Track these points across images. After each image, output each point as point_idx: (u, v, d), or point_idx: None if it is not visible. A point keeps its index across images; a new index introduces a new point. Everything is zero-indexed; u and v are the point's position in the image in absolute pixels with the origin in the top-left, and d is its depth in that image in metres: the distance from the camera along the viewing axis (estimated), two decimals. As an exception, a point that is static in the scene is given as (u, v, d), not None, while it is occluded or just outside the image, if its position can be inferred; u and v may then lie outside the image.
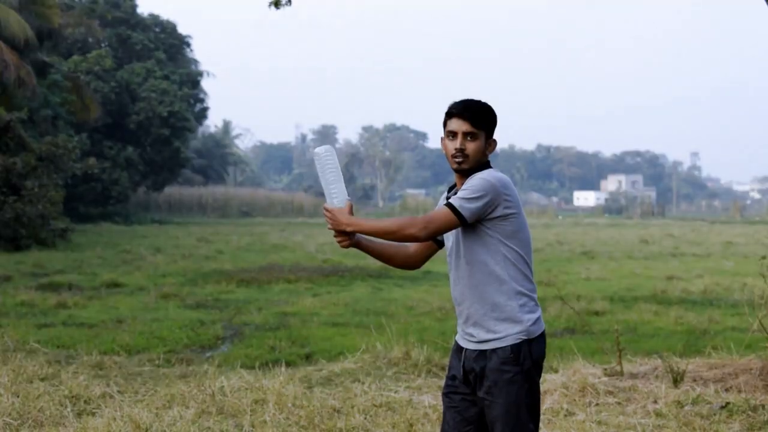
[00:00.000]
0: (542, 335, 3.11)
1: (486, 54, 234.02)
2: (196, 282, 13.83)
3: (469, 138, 3.10)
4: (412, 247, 3.36)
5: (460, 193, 3.05)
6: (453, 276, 3.19)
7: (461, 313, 3.16)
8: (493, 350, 3.06)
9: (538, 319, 3.10)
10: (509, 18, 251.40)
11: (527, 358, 3.06)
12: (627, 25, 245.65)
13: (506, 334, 3.05)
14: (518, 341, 3.05)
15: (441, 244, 3.35)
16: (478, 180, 3.04)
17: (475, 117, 3.10)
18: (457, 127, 3.10)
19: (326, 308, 10.88)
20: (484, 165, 3.16)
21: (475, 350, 3.11)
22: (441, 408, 5.28)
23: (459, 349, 3.20)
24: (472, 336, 3.12)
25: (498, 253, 3.07)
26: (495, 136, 3.18)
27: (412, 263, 3.40)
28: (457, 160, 3.11)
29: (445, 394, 3.24)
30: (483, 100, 3.17)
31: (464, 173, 3.13)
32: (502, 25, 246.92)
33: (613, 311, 10.57)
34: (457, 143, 3.10)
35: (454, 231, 3.14)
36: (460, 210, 3.01)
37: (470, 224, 3.06)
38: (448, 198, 3.20)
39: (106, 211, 39.13)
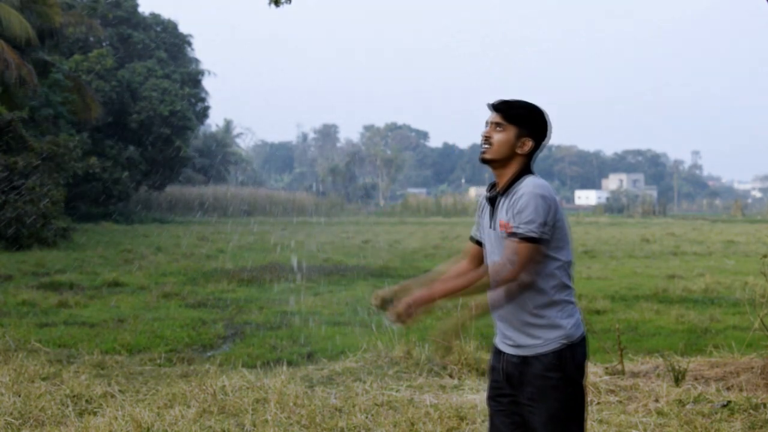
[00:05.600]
0: (583, 338, 3.06)
1: (486, 53, 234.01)
2: (198, 281, 13.83)
3: (497, 129, 3.08)
4: (466, 262, 3.28)
5: (528, 217, 2.91)
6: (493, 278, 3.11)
7: (501, 317, 3.10)
8: (535, 356, 3.00)
9: (577, 321, 3.05)
10: (509, 18, 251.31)
11: (570, 362, 3.00)
12: (627, 23, 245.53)
13: (548, 339, 3.00)
14: (561, 346, 2.99)
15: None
16: (537, 199, 2.94)
17: (507, 110, 3.07)
18: (490, 118, 3.11)
19: (327, 307, 10.88)
20: (523, 167, 3.08)
21: (516, 355, 3.05)
22: (442, 407, 5.30)
23: (498, 352, 3.15)
24: (510, 339, 3.07)
25: (545, 264, 3.00)
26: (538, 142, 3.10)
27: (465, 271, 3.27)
28: (482, 147, 3.10)
29: (492, 398, 3.16)
30: (531, 102, 3.12)
31: (487, 163, 3.09)
32: (503, 25, 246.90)
33: (614, 310, 10.57)
34: (484, 131, 3.10)
35: (490, 235, 3.10)
36: (540, 237, 2.92)
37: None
38: (488, 198, 3.14)
39: (108, 210, 39.11)
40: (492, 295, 2.98)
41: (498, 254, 3.06)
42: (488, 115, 3.15)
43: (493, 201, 3.12)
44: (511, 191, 3.04)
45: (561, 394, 2.98)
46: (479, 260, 3.26)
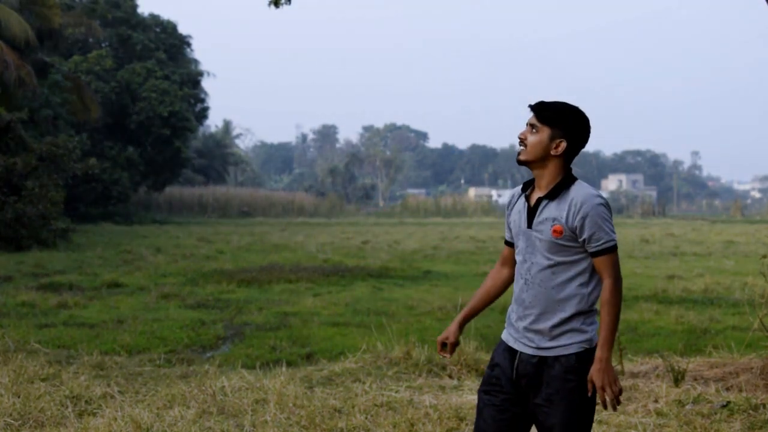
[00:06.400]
0: (596, 343, 3.10)
1: (486, 54, 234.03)
2: (197, 282, 13.83)
3: (532, 130, 3.08)
4: (506, 267, 3.34)
5: (603, 231, 2.98)
6: (525, 278, 3.10)
7: (525, 316, 3.09)
8: (556, 358, 3.01)
9: (597, 327, 3.09)
10: (510, 18, 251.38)
11: (589, 365, 3.02)
12: (627, 23, 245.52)
13: (570, 342, 3.02)
14: (582, 350, 3.02)
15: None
16: (600, 209, 2.99)
17: (540, 111, 3.06)
18: (528, 119, 3.11)
19: (327, 308, 10.87)
20: (562, 169, 3.08)
21: (535, 356, 3.05)
22: (442, 408, 5.30)
23: (509, 350, 3.14)
24: (531, 341, 3.07)
25: (587, 271, 3.05)
26: (577, 144, 3.09)
27: (509, 283, 3.37)
28: (518, 149, 3.11)
29: (486, 392, 3.16)
30: (572, 105, 3.12)
31: (523, 164, 3.11)
32: (504, 25, 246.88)
33: (613, 310, 10.54)
34: (520, 133, 3.11)
35: (528, 235, 3.09)
36: (616, 242, 3.03)
37: (568, 239, 3.01)
38: (524, 194, 3.15)
39: (107, 211, 39.12)
40: (606, 329, 2.98)
41: (537, 254, 3.07)
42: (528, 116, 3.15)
43: (530, 200, 3.12)
44: (561, 197, 3.04)
45: (579, 396, 3.01)
46: (513, 268, 3.29)
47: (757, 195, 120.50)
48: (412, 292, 12.61)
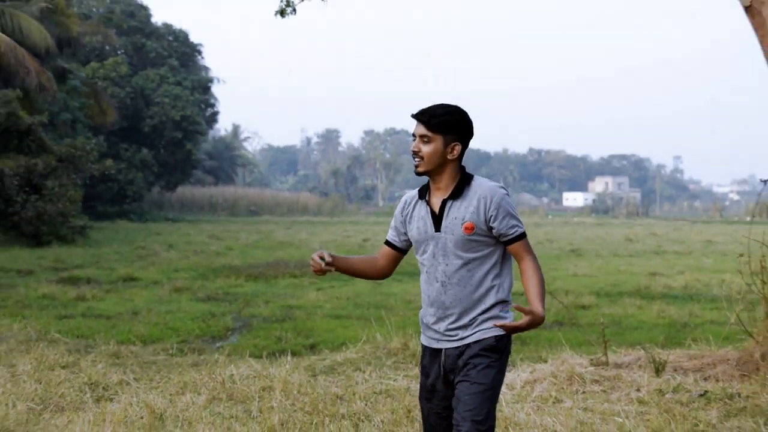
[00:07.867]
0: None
1: (483, 60, 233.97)
2: (207, 276, 13.85)
3: (424, 141, 3.01)
4: (382, 260, 3.27)
5: (513, 218, 3.00)
6: (441, 280, 3.05)
7: (446, 316, 3.05)
8: (476, 341, 3.00)
9: (513, 315, 3.10)
10: (508, 24, 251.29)
11: (505, 349, 3.04)
12: (616, 38, 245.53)
13: (491, 326, 3.01)
14: (501, 333, 3.01)
15: (404, 252, 3.27)
16: (507, 199, 3.01)
17: (430, 121, 2.99)
18: (415, 131, 3.04)
19: (329, 302, 10.89)
20: (459, 169, 3.06)
21: (458, 347, 3.03)
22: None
23: (433, 351, 3.10)
24: (455, 336, 3.04)
25: (498, 263, 3.05)
26: (467, 141, 3.07)
27: (385, 274, 3.32)
28: (414, 162, 3.05)
29: (427, 399, 3.14)
30: (452, 104, 3.05)
31: (422, 175, 3.06)
32: (500, 32, 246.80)
33: (599, 305, 10.58)
34: (413, 146, 3.05)
35: (438, 238, 3.05)
36: (524, 228, 3.06)
37: (480, 234, 3.01)
38: (424, 200, 3.09)
39: (123, 209, 39.13)
40: (538, 288, 3.00)
41: (449, 255, 3.03)
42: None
43: (431, 205, 3.07)
44: (465, 195, 3.02)
45: (494, 373, 2.99)
46: (392, 263, 3.27)
47: (735, 197, 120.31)
48: (409, 287, 12.61)
